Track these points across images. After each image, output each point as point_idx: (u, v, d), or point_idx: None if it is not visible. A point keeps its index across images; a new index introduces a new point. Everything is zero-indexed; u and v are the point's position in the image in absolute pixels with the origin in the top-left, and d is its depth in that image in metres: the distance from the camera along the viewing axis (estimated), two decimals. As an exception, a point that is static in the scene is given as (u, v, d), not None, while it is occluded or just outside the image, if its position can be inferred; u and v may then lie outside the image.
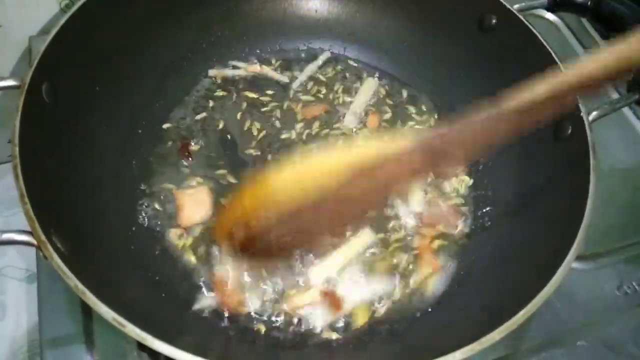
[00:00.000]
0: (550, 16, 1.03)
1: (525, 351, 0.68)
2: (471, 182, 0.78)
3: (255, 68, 0.85)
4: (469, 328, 0.54)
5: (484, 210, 0.74)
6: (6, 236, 0.51)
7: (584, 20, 1.02)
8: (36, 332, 0.68)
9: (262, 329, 0.64)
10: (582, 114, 0.65)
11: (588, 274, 0.75)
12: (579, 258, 0.75)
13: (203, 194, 0.72)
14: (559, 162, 0.68)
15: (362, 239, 0.71)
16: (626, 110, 0.94)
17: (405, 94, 0.86)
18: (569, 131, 0.67)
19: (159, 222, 0.70)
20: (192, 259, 0.68)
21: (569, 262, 0.55)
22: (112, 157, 0.70)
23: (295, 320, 0.65)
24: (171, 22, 0.80)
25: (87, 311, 0.66)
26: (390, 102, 0.85)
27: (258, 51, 0.87)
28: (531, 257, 0.62)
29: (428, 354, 0.47)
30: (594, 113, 0.67)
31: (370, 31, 0.88)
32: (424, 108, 0.85)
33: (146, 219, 0.70)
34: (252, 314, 0.65)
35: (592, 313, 0.72)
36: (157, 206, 0.71)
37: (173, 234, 0.70)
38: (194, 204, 0.71)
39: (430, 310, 0.66)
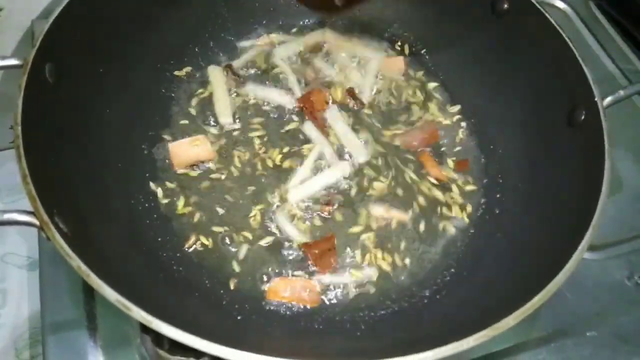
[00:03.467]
0: (560, 4, 1.02)
1: (535, 341, 0.67)
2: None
3: (265, 40, 0.85)
4: (482, 314, 0.53)
5: (495, 197, 0.74)
6: (8, 216, 0.51)
7: (594, 8, 1.02)
8: (38, 319, 0.67)
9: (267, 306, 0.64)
10: (596, 99, 0.64)
11: (598, 264, 0.74)
12: (589, 248, 0.74)
13: (199, 139, 0.74)
14: (571, 148, 0.67)
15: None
16: (637, 100, 0.92)
17: (418, 76, 0.86)
18: (582, 117, 0.66)
19: (163, 205, 0.70)
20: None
21: (583, 248, 0.55)
22: (116, 139, 0.69)
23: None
24: (174, 4, 0.79)
25: (89, 296, 0.66)
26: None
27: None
28: (544, 244, 0.62)
29: (442, 339, 0.46)
30: (609, 99, 0.66)
31: (379, 15, 0.87)
32: (436, 93, 0.84)
33: (150, 202, 0.69)
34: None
35: (602, 303, 0.71)
36: (161, 188, 0.71)
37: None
38: (189, 148, 0.73)
39: (440, 297, 0.65)
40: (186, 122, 0.77)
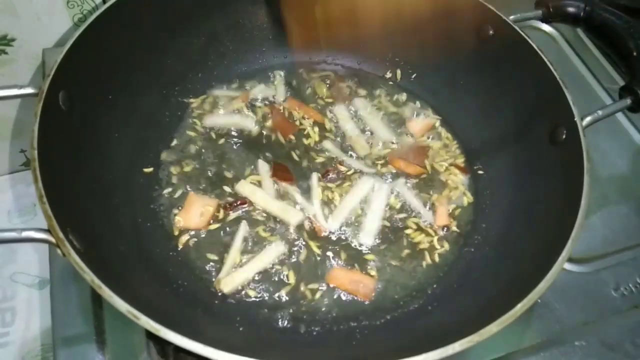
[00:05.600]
0: (546, 27, 1.06)
1: (525, 350, 0.70)
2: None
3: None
4: (468, 322, 0.55)
5: (483, 212, 0.77)
6: (25, 234, 0.54)
7: (579, 31, 1.06)
8: (48, 336, 0.70)
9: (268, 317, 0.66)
10: (575, 119, 0.68)
11: (586, 276, 0.77)
12: (577, 261, 0.78)
13: (211, 205, 0.74)
14: (554, 165, 0.70)
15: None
16: (621, 118, 0.96)
17: (404, 99, 0.89)
18: (564, 136, 0.69)
19: (167, 224, 0.73)
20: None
21: (563, 259, 0.57)
22: (123, 161, 0.73)
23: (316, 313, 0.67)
24: (179, 35, 0.83)
25: (98, 311, 0.68)
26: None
27: (263, 61, 0.90)
28: (528, 256, 0.64)
29: (429, 345, 0.49)
30: (588, 118, 0.69)
31: (372, 44, 0.90)
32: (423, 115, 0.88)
33: (155, 220, 0.73)
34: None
35: (590, 314, 0.73)
36: (165, 209, 0.74)
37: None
38: (199, 209, 0.73)
39: (431, 307, 0.68)
40: (188, 145, 0.81)
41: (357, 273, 0.71)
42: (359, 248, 0.74)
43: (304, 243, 0.73)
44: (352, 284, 0.70)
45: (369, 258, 0.73)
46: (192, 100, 0.85)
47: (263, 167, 0.79)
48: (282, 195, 0.77)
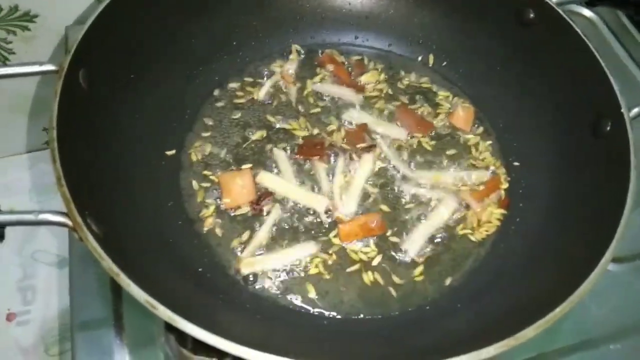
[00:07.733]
0: (587, 12, 1.01)
1: (557, 351, 0.67)
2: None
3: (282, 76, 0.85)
4: (503, 324, 0.53)
5: (520, 206, 0.74)
6: (42, 216, 0.52)
7: (622, 17, 1.01)
8: (67, 315, 0.69)
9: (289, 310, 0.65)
10: (622, 110, 0.64)
11: (623, 277, 0.74)
12: (613, 260, 0.74)
13: (245, 177, 0.73)
14: (597, 159, 0.67)
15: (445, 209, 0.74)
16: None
17: (437, 86, 0.86)
18: (608, 128, 0.66)
19: (189, 209, 0.71)
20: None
21: (607, 260, 0.55)
22: (146, 143, 0.71)
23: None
24: (204, 12, 0.81)
25: (117, 296, 0.67)
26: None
27: (290, 42, 0.87)
28: (567, 255, 0.62)
29: (463, 348, 0.46)
30: (635, 109, 0.65)
31: (404, 24, 0.87)
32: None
33: (176, 206, 0.71)
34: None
35: (627, 316, 0.71)
36: (187, 194, 0.73)
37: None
38: (239, 187, 0.72)
39: (461, 305, 0.65)
40: (211, 126, 0.79)
41: (361, 217, 0.71)
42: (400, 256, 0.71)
43: (335, 243, 0.71)
44: (364, 229, 0.70)
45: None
46: (223, 83, 0.83)
47: (279, 155, 0.77)
48: (306, 175, 0.75)
